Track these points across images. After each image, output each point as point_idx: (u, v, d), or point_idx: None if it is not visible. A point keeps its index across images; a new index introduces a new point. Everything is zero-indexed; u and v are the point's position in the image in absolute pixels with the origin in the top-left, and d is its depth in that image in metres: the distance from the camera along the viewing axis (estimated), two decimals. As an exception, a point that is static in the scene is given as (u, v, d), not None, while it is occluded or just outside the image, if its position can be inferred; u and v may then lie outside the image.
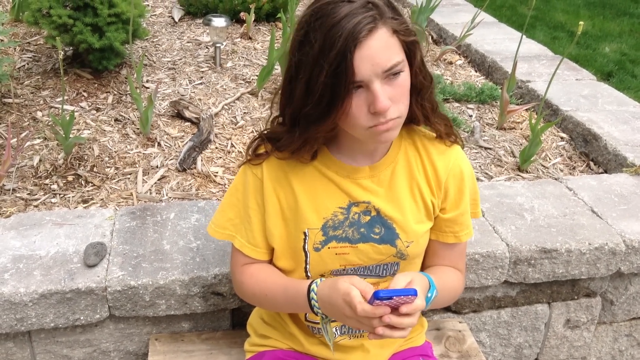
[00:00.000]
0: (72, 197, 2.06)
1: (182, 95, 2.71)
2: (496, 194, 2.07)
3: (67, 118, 2.15)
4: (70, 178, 2.15)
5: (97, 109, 2.57)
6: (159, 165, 2.24)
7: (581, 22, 2.14)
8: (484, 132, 2.65)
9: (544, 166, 2.46)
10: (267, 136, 1.30)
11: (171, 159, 2.28)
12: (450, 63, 3.39)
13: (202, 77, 2.90)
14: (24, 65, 2.86)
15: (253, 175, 1.32)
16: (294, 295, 1.28)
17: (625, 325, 2.13)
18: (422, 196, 1.33)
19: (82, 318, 1.61)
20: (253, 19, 3.40)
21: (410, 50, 1.18)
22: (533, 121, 2.38)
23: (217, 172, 2.22)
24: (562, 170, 2.45)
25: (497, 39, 3.54)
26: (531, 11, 2.79)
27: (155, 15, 3.69)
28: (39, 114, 2.50)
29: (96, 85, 2.74)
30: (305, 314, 1.39)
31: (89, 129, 2.42)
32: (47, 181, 2.13)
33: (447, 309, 1.91)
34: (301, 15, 1.18)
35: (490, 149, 2.53)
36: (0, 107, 2.52)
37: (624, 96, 2.91)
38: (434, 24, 3.85)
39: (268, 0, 3.55)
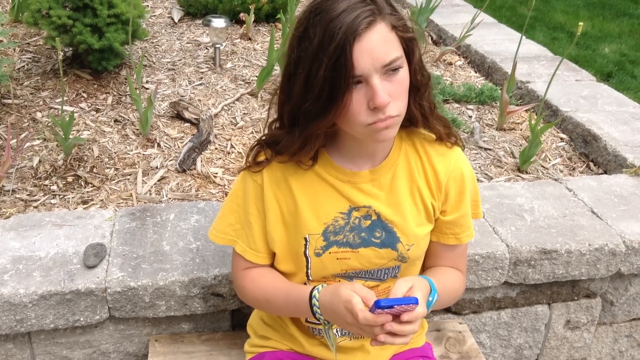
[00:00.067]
0: (72, 198, 2.06)
1: (182, 96, 2.71)
2: (496, 195, 2.07)
3: (67, 119, 2.15)
4: (69, 179, 2.15)
5: (97, 110, 2.57)
6: (158, 166, 2.24)
7: (581, 23, 2.14)
8: (483, 132, 2.65)
9: (543, 167, 2.46)
10: (265, 142, 1.29)
11: (171, 160, 2.28)
12: (450, 64, 3.39)
13: (201, 78, 2.90)
14: (24, 66, 2.86)
15: (253, 181, 1.31)
16: (296, 301, 1.27)
17: (626, 326, 2.13)
18: (423, 199, 1.33)
19: (81, 319, 1.61)
20: (253, 19, 3.40)
21: (409, 47, 1.18)
22: (533, 122, 2.38)
23: (216, 173, 2.22)
24: (561, 171, 2.45)
25: (497, 40, 3.54)
26: (531, 12, 2.79)
27: (154, 16, 3.69)
28: (39, 114, 2.50)
29: (96, 86, 2.74)
30: (306, 315, 1.39)
31: (88, 130, 2.42)
32: (46, 182, 2.12)
33: (448, 310, 1.91)
34: (300, 13, 1.18)
35: (490, 149, 2.53)
36: (-1, 108, 2.52)
37: (624, 97, 2.91)
38: (433, 25, 3.85)
39: (268, 1, 3.55)
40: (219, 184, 2.17)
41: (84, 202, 2.04)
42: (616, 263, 1.89)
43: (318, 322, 1.26)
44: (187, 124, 2.51)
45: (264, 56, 3.17)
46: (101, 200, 2.05)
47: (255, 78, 2.87)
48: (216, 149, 2.37)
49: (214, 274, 1.63)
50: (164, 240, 1.75)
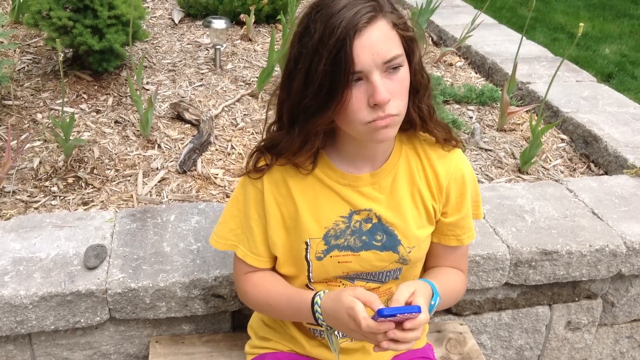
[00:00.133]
0: (72, 199, 2.05)
1: (182, 97, 2.71)
2: (497, 196, 2.07)
3: (67, 120, 2.14)
4: (70, 180, 2.15)
5: (97, 111, 2.57)
6: (159, 167, 2.24)
7: (581, 24, 2.14)
8: (484, 133, 2.65)
9: (544, 168, 2.46)
10: (265, 146, 1.29)
11: (171, 161, 2.28)
12: (451, 65, 3.39)
13: (202, 79, 2.90)
14: (24, 67, 2.86)
15: (253, 186, 1.31)
16: (298, 307, 1.27)
17: (626, 327, 2.13)
18: (423, 201, 1.33)
19: (82, 320, 1.61)
20: (253, 20, 3.40)
21: (409, 46, 1.18)
22: (533, 123, 2.38)
23: (217, 174, 2.22)
24: (562, 172, 2.45)
25: (497, 41, 3.54)
26: (531, 13, 2.79)
27: (155, 17, 3.69)
28: (39, 116, 2.50)
29: (96, 87, 2.74)
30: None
31: (89, 131, 2.42)
32: (47, 183, 2.12)
33: (448, 311, 1.91)
34: (302, 11, 1.18)
35: (490, 150, 2.53)
36: (0, 109, 2.52)
37: (624, 97, 2.91)
38: (434, 26, 3.85)
39: (268, 2, 3.55)
40: (219, 185, 2.17)
41: (85, 204, 2.04)
42: (617, 264, 1.89)
43: (320, 327, 1.26)
44: (188, 125, 2.51)
45: (264, 57, 3.17)
46: (102, 201, 2.05)
47: (256, 79, 2.87)
48: (216, 150, 2.37)
49: (214, 275, 1.63)
50: (164, 241, 1.75)
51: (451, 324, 1.83)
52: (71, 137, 2.21)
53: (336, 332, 1.33)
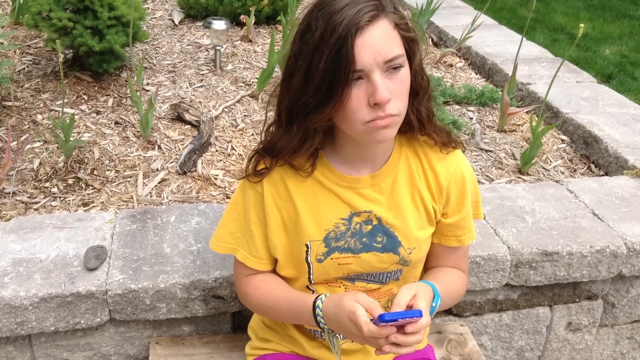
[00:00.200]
0: (73, 200, 2.05)
1: (183, 98, 2.70)
2: (497, 197, 2.07)
3: (67, 121, 2.14)
4: (70, 181, 2.15)
5: (97, 112, 2.57)
6: (159, 168, 2.23)
7: (581, 25, 2.14)
8: (484, 134, 2.65)
9: (544, 169, 2.45)
10: (263, 149, 1.28)
11: (171, 162, 2.27)
12: (451, 65, 3.39)
13: (202, 80, 2.90)
14: (24, 68, 2.86)
15: (253, 189, 1.31)
16: (299, 310, 1.27)
17: (627, 328, 2.12)
18: (424, 202, 1.32)
19: (82, 322, 1.60)
20: (253, 21, 3.40)
21: (410, 47, 1.17)
22: (534, 124, 2.38)
23: (217, 175, 2.22)
24: (563, 173, 2.45)
25: (498, 42, 3.54)
26: (531, 13, 2.79)
27: (155, 18, 3.69)
28: (39, 117, 2.50)
29: (96, 88, 2.74)
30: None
31: (89, 132, 2.42)
32: (47, 184, 2.12)
33: (449, 312, 1.91)
34: (304, 9, 1.18)
35: (490, 151, 2.53)
36: (0, 110, 2.52)
37: (625, 98, 2.91)
38: (434, 27, 3.85)
39: (268, 3, 3.55)
40: (219, 186, 2.17)
41: (85, 205, 2.04)
42: (617, 265, 1.89)
43: (322, 329, 1.26)
44: (188, 126, 2.51)
45: (264, 58, 3.17)
46: (102, 202, 2.05)
47: (256, 80, 2.87)
48: (217, 151, 2.37)
49: (214, 276, 1.63)
50: (164, 242, 1.75)
51: (452, 325, 1.83)
52: (71, 138, 2.21)
53: (337, 334, 1.33)
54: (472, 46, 3.44)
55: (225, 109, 2.65)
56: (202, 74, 2.96)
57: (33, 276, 1.60)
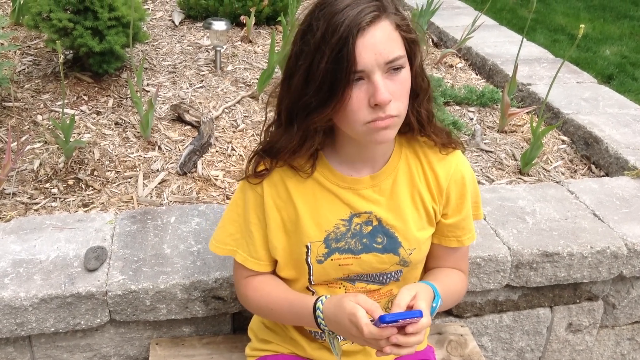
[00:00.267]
0: (73, 201, 2.05)
1: (183, 99, 2.70)
2: (497, 198, 2.07)
3: (68, 122, 2.14)
4: (70, 182, 2.15)
5: (98, 113, 2.57)
6: (159, 169, 2.23)
7: (582, 25, 2.14)
8: (485, 135, 2.65)
9: (545, 169, 2.45)
10: (263, 149, 1.28)
11: (172, 163, 2.27)
12: (451, 66, 3.39)
13: (202, 81, 2.90)
14: (24, 69, 2.86)
15: (253, 191, 1.30)
16: (299, 311, 1.27)
17: (628, 329, 2.12)
18: (424, 203, 1.32)
19: (82, 322, 1.60)
20: (253, 22, 3.40)
21: (411, 48, 1.17)
22: (534, 124, 2.38)
23: (217, 176, 2.22)
24: (563, 174, 2.45)
25: (498, 42, 3.54)
26: (532, 14, 2.79)
27: (155, 18, 3.69)
28: (39, 117, 2.50)
29: (96, 88, 2.74)
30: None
31: (89, 133, 2.42)
32: (47, 185, 2.12)
33: (449, 313, 1.91)
34: (305, 9, 1.18)
35: (491, 152, 2.53)
36: (0, 111, 2.52)
37: (625, 99, 2.91)
38: (434, 27, 3.85)
39: (268, 4, 3.55)
40: (219, 187, 2.17)
41: (85, 205, 2.04)
42: (618, 266, 1.89)
43: (322, 331, 1.26)
44: (188, 127, 2.51)
45: (264, 59, 3.17)
46: (102, 203, 2.04)
47: (256, 81, 2.87)
48: (217, 151, 2.36)
49: (214, 277, 1.63)
50: (164, 243, 1.75)
51: (452, 326, 1.82)
52: (71, 139, 2.21)
53: (338, 335, 1.33)
54: (472, 47, 3.44)
55: (226, 110, 2.65)
56: (203, 75, 2.96)
57: (33, 277, 1.60)
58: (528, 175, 2.40)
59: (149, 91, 2.76)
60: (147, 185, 2.14)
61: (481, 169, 2.40)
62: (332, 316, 1.19)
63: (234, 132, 2.51)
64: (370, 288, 1.35)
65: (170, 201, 2.07)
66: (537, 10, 6.02)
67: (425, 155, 1.32)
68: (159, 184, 2.16)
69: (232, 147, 2.40)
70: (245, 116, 2.63)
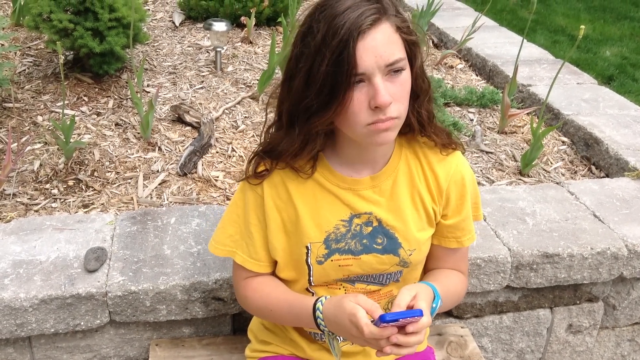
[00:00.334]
0: (73, 201, 2.05)
1: (183, 100, 2.71)
2: (498, 199, 2.07)
3: (68, 122, 2.14)
4: (70, 183, 2.15)
5: (98, 114, 2.57)
6: (159, 170, 2.23)
7: (582, 26, 2.14)
8: (485, 136, 2.65)
9: (545, 170, 2.45)
10: (263, 150, 1.28)
11: (172, 164, 2.27)
12: (451, 67, 3.39)
13: (202, 82, 2.90)
14: (25, 70, 2.86)
15: (253, 191, 1.30)
16: (299, 312, 1.27)
17: (628, 330, 2.12)
18: (424, 204, 1.32)
19: (82, 323, 1.60)
20: (254, 23, 3.40)
21: (412, 50, 1.17)
22: (534, 125, 2.38)
23: (217, 177, 2.22)
24: (563, 175, 2.45)
25: (498, 43, 3.54)
26: (532, 15, 2.79)
27: (155, 19, 3.70)
28: (40, 118, 2.50)
29: (97, 89, 2.74)
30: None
31: (89, 134, 2.42)
32: (47, 186, 2.12)
33: (449, 314, 1.90)
34: (305, 11, 1.18)
35: (491, 153, 2.53)
36: (0, 112, 2.52)
37: (625, 100, 2.91)
38: (434, 28, 3.85)
39: (269, 5, 3.55)
40: (220, 188, 2.17)
41: (85, 206, 2.04)
42: (618, 267, 1.89)
43: (322, 332, 1.25)
44: (188, 128, 2.51)
45: (265, 60, 3.17)
46: (102, 204, 2.04)
47: (256, 81, 2.87)
48: (217, 152, 2.36)
49: (214, 278, 1.63)
50: (164, 244, 1.75)
51: (452, 327, 1.82)
52: (72, 140, 2.21)
53: (337, 336, 1.33)
54: (472, 48, 3.44)
55: (226, 111, 2.65)
56: (203, 76, 2.96)
57: (33, 278, 1.60)
58: (528, 176, 2.40)
59: (149, 92, 2.76)
60: (147, 186, 2.14)
61: (481, 170, 2.40)
62: (332, 317, 1.19)
63: (234, 133, 2.51)
64: (370, 289, 1.35)
65: (171, 202, 2.07)
66: (537, 11, 6.02)
67: (425, 155, 1.32)
68: (159, 184, 2.16)
69: (233, 148, 2.40)
70: (245, 117, 2.63)
